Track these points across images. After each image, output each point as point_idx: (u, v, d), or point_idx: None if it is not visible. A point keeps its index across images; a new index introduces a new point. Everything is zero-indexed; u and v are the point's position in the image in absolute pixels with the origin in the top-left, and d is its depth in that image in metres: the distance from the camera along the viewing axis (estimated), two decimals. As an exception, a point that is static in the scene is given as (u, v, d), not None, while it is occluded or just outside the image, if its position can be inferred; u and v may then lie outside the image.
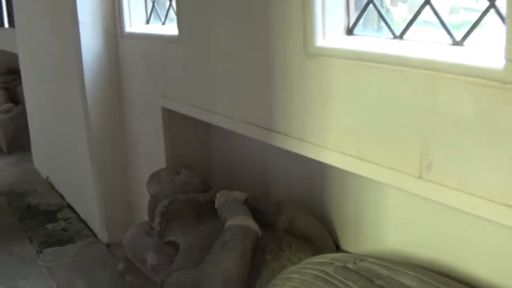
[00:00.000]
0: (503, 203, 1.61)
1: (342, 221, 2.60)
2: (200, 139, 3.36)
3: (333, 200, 2.62)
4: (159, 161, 3.30)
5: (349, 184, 2.47)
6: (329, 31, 2.11)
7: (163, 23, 3.40)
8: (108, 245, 4.08)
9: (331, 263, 2.13)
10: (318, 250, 2.51)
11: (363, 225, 2.47)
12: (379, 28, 2.12)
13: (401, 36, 1.98)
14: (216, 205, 2.60)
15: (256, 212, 2.52)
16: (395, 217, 2.31)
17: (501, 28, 1.60)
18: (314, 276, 2.09)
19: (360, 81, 1.98)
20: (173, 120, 3.26)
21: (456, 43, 1.79)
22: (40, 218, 4.69)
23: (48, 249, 4.11)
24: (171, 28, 3.13)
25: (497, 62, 1.56)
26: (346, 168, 2.11)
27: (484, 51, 1.70)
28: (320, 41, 2.10)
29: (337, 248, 2.60)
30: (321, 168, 2.54)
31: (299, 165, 2.73)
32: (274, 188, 2.98)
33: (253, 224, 2.35)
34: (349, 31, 2.14)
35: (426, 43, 1.88)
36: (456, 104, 1.68)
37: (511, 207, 1.60)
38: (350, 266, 2.09)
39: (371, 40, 2.05)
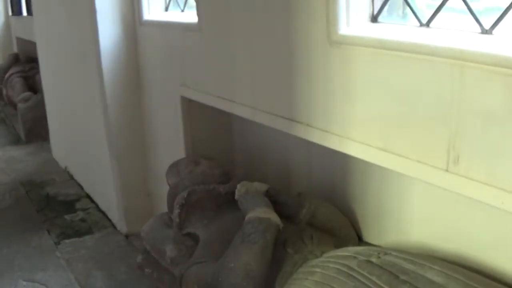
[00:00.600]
0: (534, 198, 1.57)
1: (365, 213, 2.58)
2: (221, 129, 3.34)
3: (355, 192, 2.60)
4: (178, 151, 3.30)
5: (372, 176, 2.45)
6: (353, 18, 2.08)
7: (182, 10, 3.38)
8: (127, 236, 4.09)
9: (355, 257, 2.11)
10: (340, 242, 2.50)
11: (386, 217, 2.46)
12: (404, 16, 2.08)
13: (427, 24, 1.94)
14: (236, 197, 2.58)
15: (277, 204, 2.50)
16: (419, 209, 2.29)
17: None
18: (337, 270, 2.07)
19: (385, 71, 1.95)
20: (192, 110, 3.25)
21: (484, 31, 1.75)
22: (59, 209, 4.71)
23: (67, 241, 4.13)
24: (190, 16, 3.10)
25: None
26: (371, 161, 2.09)
27: (514, 39, 1.66)
28: (344, 29, 2.07)
29: (360, 240, 2.59)
30: (343, 160, 2.52)
31: (321, 156, 2.71)
32: (295, 180, 2.97)
33: (274, 217, 2.33)
34: (374, 18, 2.11)
35: (453, 32, 1.83)
36: (485, 95, 1.65)
37: (541, 202, 1.56)
38: (373, 260, 2.06)
39: (397, 28, 2.01)
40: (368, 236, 2.59)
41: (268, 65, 2.47)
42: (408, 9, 2.03)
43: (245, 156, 3.29)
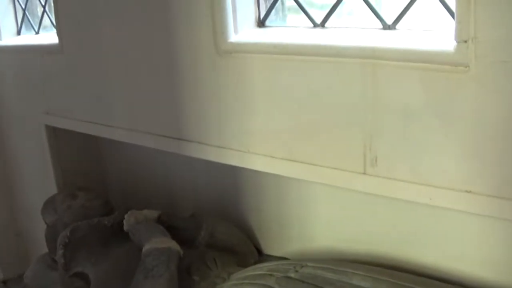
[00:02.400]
0: (463, 189, 1.53)
1: (263, 224, 2.48)
2: (92, 156, 3.09)
3: (250, 205, 2.50)
4: (49, 186, 3.01)
5: (267, 185, 2.35)
6: (241, 24, 1.96)
7: (37, 32, 3.09)
8: (4, 282, 3.68)
9: (271, 275, 1.98)
10: (241, 259, 2.38)
11: (288, 226, 2.37)
12: (293, 18, 1.98)
13: (322, 25, 1.85)
14: (125, 228, 2.36)
15: (172, 229, 2.31)
16: (322, 214, 2.23)
17: (436, 9, 1.54)
18: (256, 292, 1.93)
19: (286, 77, 1.84)
20: (59, 139, 2.98)
21: (387, 27, 1.68)
22: None
23: None
24: (48, 37, 2.83)
25: (446, 44, 1.48)
26: (278, 173, 1.98)
27: (423, 34, 1.62)
28: (233, 37, 1.93)
29: (260, 254, 2.48)
30: (232, 172, 2.39)
31: (208, 172, 2.58)
32: (181, 201, 2.81)
33: (174, 245, 2.16)
34: (261, 23, 1.99)
35: (355, 30, 1.76)
36: (401, 92, 1.59)
37: (471, 193, 1.52)
38: (292, 275, 1.95)
39: (291, 31, 1.90)
40: (269, 249, 2.50)
41: (148, 83, 2.28)
42: (288, 10, 1.92)
43: (123, 182, 3.07)
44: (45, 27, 2.99)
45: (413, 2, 1.62)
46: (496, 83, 1.44)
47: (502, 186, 1.48)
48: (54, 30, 2.76)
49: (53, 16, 2.74)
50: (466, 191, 1.54)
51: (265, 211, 2.42)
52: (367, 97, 1.65)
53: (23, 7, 3.19)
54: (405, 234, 1.98)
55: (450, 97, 1.52)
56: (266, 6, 1.99)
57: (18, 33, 3.28)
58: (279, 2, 1.98)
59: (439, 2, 1.57)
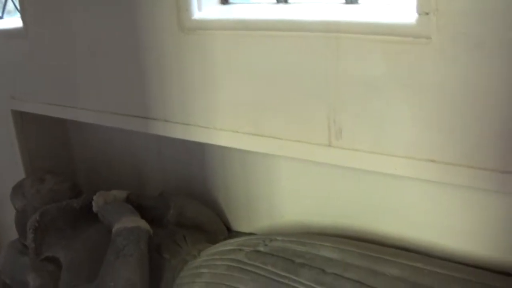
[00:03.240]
0: (427, 159, 1.52)
1: (231, 201, 2.46)
2: (59, 140, 3.02)
3: (218, 183, 2.46)
4: (17, 171, 2.93)
5: (234, 162, 2.32)
6: (204, 1, 1.90)
7: (1, 17, 2.99)
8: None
9: (240, 250, 1.96)
10: (211, 236, 2.35)
11: (254, 202, 2.35)
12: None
13: (285, 0, 1.81)
14: (95, 209, 2.32)
15: (141, 209, 2.27)
16: (289, 189, 2.21)
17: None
18: (226, 267, 1.91)
19: (250, 53, 1.81)
20: (26, 124, 2.89)
21: (350, 1, 1.65)
22: None
23: None
24: (12, 22, 2.74)
25: (408, 17, 1.46)
26: (244, 147, 1.95)
27: (385, 7, 1.60)
28: (197, 14, 1.89)
29: (229, 231, 2.45)
30: (199, 150, 2.37)
31: (175, 152, 2.55)
32: (149, 181, 2.76)
33: (143, 224, 2.12)
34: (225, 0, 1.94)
35: (318, 5, 1.73)
36: (365, 65, 1.57)
37: (435, 162, 1.51)
38: (261, 249, 1.93)
39: (254, 7, 1.86)
40: (238, 225, 2.47)
41: (114, 64, 2.22)
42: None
43: (90, 164, 3.01)
44: (9, 12, 2.91)
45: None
46: (457, 54, 1.43)
47: (465, 154, 1.47)
48: (18, 15, 2.67)
49: (17, 0, 2.65)
50: (430, 160, 1.53)
51: (233, 188, 2.39)
52: (331, 71, 1.63)
53: (-14, -8, 3.09)
54: (370, 206, 1.98)
55: (412, 69, 1.51)
56: (229, -17, 1.94)
57: (-19, 18, 3.17)
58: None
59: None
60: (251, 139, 1.87)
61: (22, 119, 2.88)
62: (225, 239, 2.29)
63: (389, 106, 1.55)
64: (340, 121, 1.65)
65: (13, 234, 2.64)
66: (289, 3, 1.81)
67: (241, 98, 1.87)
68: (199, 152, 2.41)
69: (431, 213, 1.83)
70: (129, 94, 2.20)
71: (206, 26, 1.86)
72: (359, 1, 1.66)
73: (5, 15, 2.96)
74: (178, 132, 2.10)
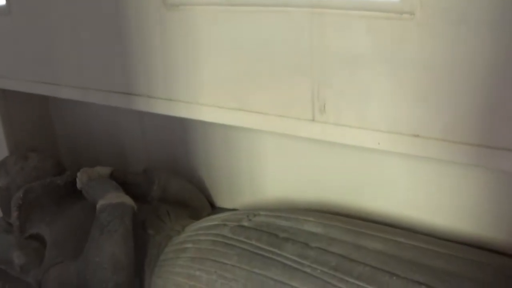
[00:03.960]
0: (411, 134, 1.50)
1: (214, 179, 2.44)
2: (42, 118, 2.96)
3: (200, 159, 2.44)
4: (0, 149, 2.86)
5: (217, 138, 2.31)
6: (187, -23, 1.84)
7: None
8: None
9: (225, 225, 1.94)
10: (194, 213, 2.34)
11: (238, 179, 2.34)
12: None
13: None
14: (79, 186, 2.28)
15: (125, 186, 2.23)
16: (272, 164, 2.20)
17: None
18: (211, 242, 1.89)
19: (233, 29, 1.76)
20: (9, 101, 2.82)
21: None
22: None
23: None
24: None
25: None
26: (227, 122, 1.91)
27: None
28: (180, -11, 1.83)
29: (212, 207, 2.44)
30: (182, 127, 2.33)
31: (157, 129, 2.53)
32: (132, 158, 2.72)
33: (127, 199, 2.09)
34: (208, -24, 1.88)
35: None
36: (349, 41, 1.54)
37: (419, 137, 1.48)
38: (245, 224, 1.92)
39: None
40: (221, 202, 2.47)
41: (96, 38, 2.16)
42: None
43: (73, 143, 2.96)
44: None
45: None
46: (440, 30, 1.40)
47: (449, 129, 1.45)
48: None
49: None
50: (414, 135, 1.50)
51: (216, 165, 2.37)
52: (315, 46, 1.59)
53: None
54: (354, 182, 1.98)
55: (396, 44, 1.48)
56: (212, -42, 1.88)
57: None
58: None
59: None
60: (235, 114, 1.83)
61: (5, 97, 2.81)
62: (208, 215, 2.27)
63: (373, 81, 1.52)
64: (324, 96, 1.62)
65: (-3, 212, 2.60)
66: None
67: (224, 74, 1.83)
68: (182, 130, 2.39)
69: (415, 190, 1.82)
70: (112, 70, 2.14)
71: (189, 1, 1.81)
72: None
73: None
74: (161, 108, 2.06)
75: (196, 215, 2.29)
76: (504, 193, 1.70)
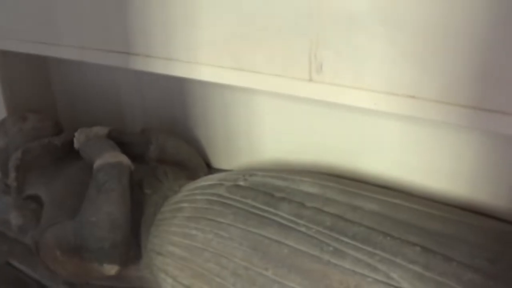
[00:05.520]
0: (407, 95, 1.48)
1: (211, 139, 2.43)
2: (41, 78, 2.93)
3: (198, 120, 2.42)
4: (-1, 110, 2.85)
5: (214, 98, 2.28)
6: None
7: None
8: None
9: (221, 184, 1.93)
10: (191, 173, 2.32)
11: (235, 140, 2.32)
12: None
13: None
14: (76, 146, 2.27)
15: (122, 145, 2.23)
16: (269, 125, 2.18)
17: None
18: (206, 201, 1.88)
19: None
20: (7, 62, 2.78)
21: None
22: None
23: None
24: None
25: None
26: (225, 82, 1.88)
27: None
28: None
29: (209, 168, 2.43)
30: (180, 89, 2.32)
31: (155, 89, 2.49)
32: (130, 118, 2.71)
33: (124, 159, 2.08)
34: None
35: None
36: (348, 2, 1.49)
37: (415, 98, 1.47)
38: (241, 183, 1.91)
39: None
40: (218, 162, 2.45)
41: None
42: None
43: (71, 103, 2.94)
44: None
45: None
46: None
47: (445, 91, 1.43)
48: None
49: None
50: (410, 96, 1.48)
51: (213, 125, 2.35)
52: (313, 6, 1.56)
53: None
54: (350, 144, 1.96)
55: (393, 5, 1.44)
56: None
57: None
58: None
59: None
60: (233, 73, 1.81)
61: (3, 58, 2.78)
62: (205, 175, 2.26)
63: (370, 41, 1.49)
64: (321, 56, 1.60)
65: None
66: None
67: (223, 33, 1.80)
68: (180, 91, 2.36)
69: (411, 152, 1.81)
70: (111, 29, 2.11)
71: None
72: None
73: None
74: (160, 67, 2.03)
75: (193, 176, 2.27)
76: (499, 158, 1.69)
